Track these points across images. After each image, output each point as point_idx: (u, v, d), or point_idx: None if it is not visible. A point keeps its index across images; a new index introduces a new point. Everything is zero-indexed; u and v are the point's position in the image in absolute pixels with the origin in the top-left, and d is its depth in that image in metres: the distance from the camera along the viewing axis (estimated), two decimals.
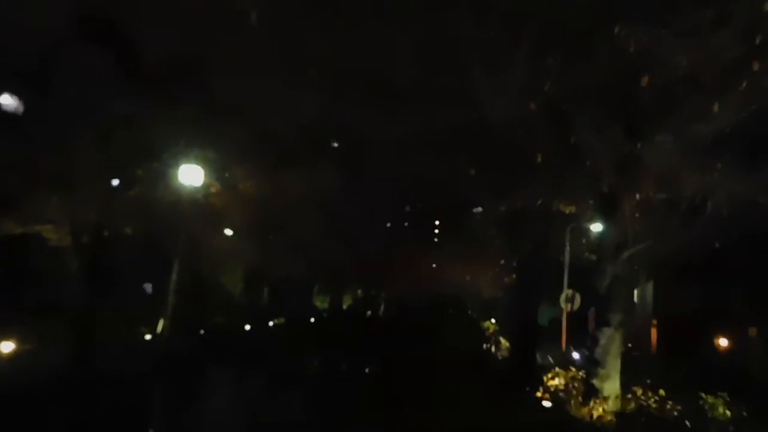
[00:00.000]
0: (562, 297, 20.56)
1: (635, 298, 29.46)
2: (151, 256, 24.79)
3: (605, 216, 11.04)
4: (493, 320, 36.57)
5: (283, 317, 34.80)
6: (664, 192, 10.34)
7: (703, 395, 10.14)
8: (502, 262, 16.90)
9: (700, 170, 9.86)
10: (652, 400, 10.25)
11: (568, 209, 11.15)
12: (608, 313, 10.93)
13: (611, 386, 10.82)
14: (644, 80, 8.56)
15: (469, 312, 40.85)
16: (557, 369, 13.99)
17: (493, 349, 26.75)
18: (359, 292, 45.82)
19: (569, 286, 20.60)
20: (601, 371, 10.81)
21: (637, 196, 10.39)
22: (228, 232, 30.02)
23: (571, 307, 20.32)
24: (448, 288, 36.78)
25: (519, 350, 20.24)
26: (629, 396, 10.65)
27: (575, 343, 21.91)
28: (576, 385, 12.24)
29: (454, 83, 10.72)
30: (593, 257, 23.44)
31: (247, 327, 31.63)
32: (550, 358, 19.06)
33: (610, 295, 10.95)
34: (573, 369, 13.79)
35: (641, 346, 24.80)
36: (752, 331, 24.31)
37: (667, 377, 13.47)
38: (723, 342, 24.82)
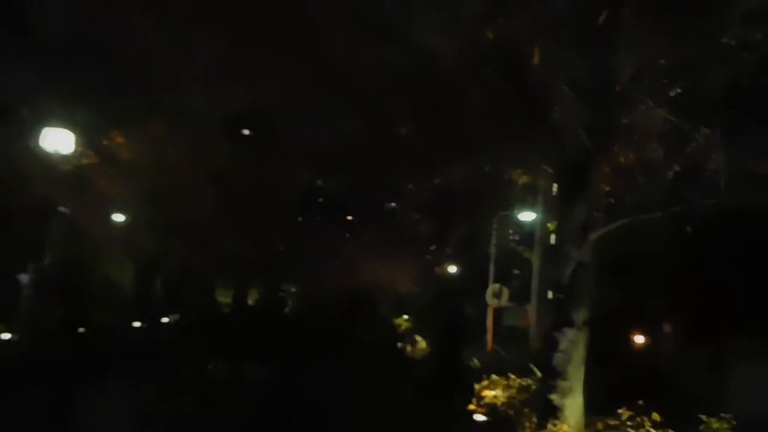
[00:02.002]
0: (488, 291, 18.34)
1: (549, 295, 27.93)
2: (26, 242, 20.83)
3: (569, 187, 8.60)
4: (405, 317, 34.65)
5: (180, 313, 31.03)
6: (648, 156, 8.01)
7: (703, 418, 7.88)
8: (427, 254, 14.29)
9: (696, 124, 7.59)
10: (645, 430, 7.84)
11: (522, 179, 8.62)
12: (571, 309, 8.49)
13: (574, 403, 8.38)
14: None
15: (382, 309, 38.39)
16: (494, 377, 11.51)
17: (408, 348, 24.36)
18: (266, 287, 42.35)
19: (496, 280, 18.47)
20: (562, 384, 8.35)
21: (618, 160, 8.03)
22: (118, 216, 26.29)
23: (499, 303, 18.11)
24: (360, 282, 34.10)
25: (440, 350, 17.74)
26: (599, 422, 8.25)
27: (505, 341, 19.81)
28: (522, 398, 9.82)
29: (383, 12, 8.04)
30: (521, 248, 21.61)
31: (137, 324, 27.87)
32: (476, 361, 16.65)
33: (574, 287, 8.52)
34: (513, 376, 11.36)
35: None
36: (666, 328, 23.39)
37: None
38: (639, 340, 23.80)
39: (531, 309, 15.61)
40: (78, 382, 15.44)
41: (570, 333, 8.43)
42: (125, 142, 15.64)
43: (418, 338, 24.32)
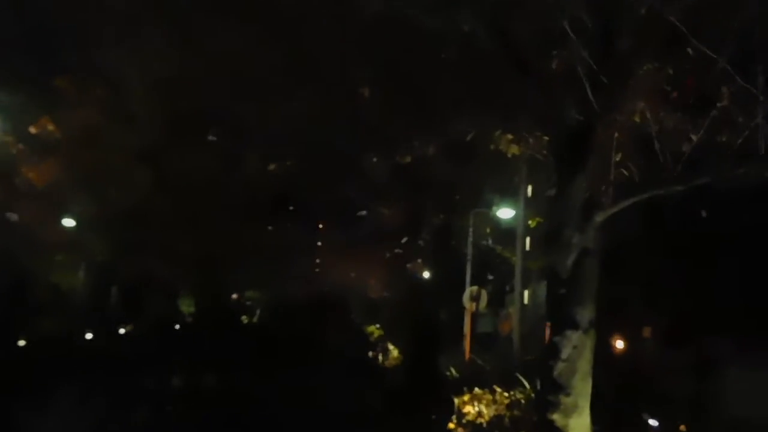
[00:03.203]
0: (466, 295, 16.56)
1: (525, 299, 26.42)
2: None
3: (569, 156, 6.86)
4: (377, 325, 32.95)
5: (137, 323, 28.71)
6: (671, 113, 6.31)
7: None
8: (398, 248, 12.48)
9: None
10: None
11: (511, 149, 6.84)
12: (574, 308, 6.72)
13: (580, 424, 6.60)
14: None
15: (352, 316, 36.50)
16: (477, 390, 9.71)
17: (380, 357, 22.51)
18: (233, 295, 40.09)
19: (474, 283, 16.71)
20: (565, 400, 6.57)
21: (633, 117, 6.32)
22: (68, 221, 24.09)
23: (477, 307, 16.33)
24: (330, 288, 32.17)
25: (413, 359, 15.90)
26: None
27: (480, 349, 18.08)
28: (511, 415, 8.03)
29: None
30: (499, 248, 19.95)
31: (89, 336, 25.54)
32: (453, 371, 14.84)
33: (577, 280, 6.76)
34: (499, 390, 9.58)
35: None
36: (646, 332, 22.02)
37: None
38: (619, 344, 22.40)
39: (513, 312, 13.86)
40: (11, 399, 13.39)
41: (574, 337, 6.66)
42: (55, 128, 13.58)
43: (390, 347, 22.54)
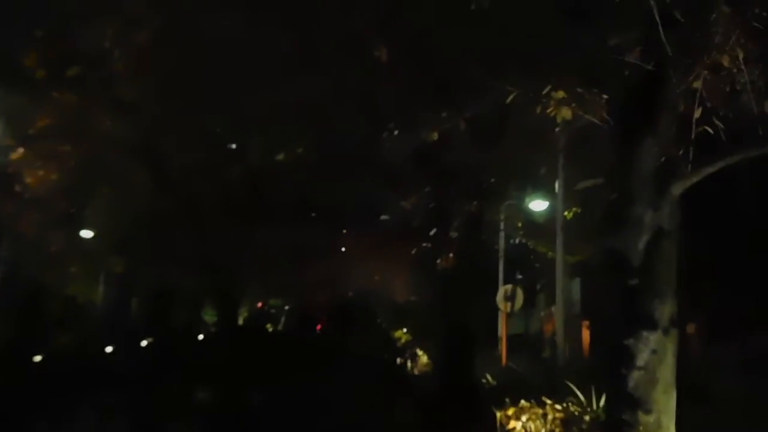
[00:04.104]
0: (500, 294, 15.15)
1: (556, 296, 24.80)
2: None
3: (636, 117, 5.48)
4: (405, 329, 31.60)
5: (159, 335, 27.68)
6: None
7: None
8: (425, 242, 11.12)
9: None
10: None
11: (563, 114, 5.46)
12: (650, 303, 5.33)
13: None
14: None
15: (379, 321, 35.18)
16: (524, 402, 8.32)
17: (409, 364, 21.18)
18: (258, 304, 39.00)
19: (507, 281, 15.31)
20: (645, 419, 5.16)
21: (721, 60, 4.94)
22: (87, 233, 23.28)
23: (512, 308, 14.90)
24: (356, 293, 30.91)
25: (445, 366, 14.48)
26: None
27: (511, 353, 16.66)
28: None
29: None
30: (531, 242, 18.48)
31: (109, 349, 24.57)
32: (490, 377, 13.41)
33: (653, 269, 5.38)
34: (549, 402, 8.16)
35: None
36: (690, 329, 20.36)
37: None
38: None
39: (557, 311, 12.43)
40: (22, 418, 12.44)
41: (652, 339, 5.27)
42: (53, 127, 12.44)
43: (420, 352, 21.18)
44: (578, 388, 8.67)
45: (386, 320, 34.93)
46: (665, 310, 5.37)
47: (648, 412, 5.19)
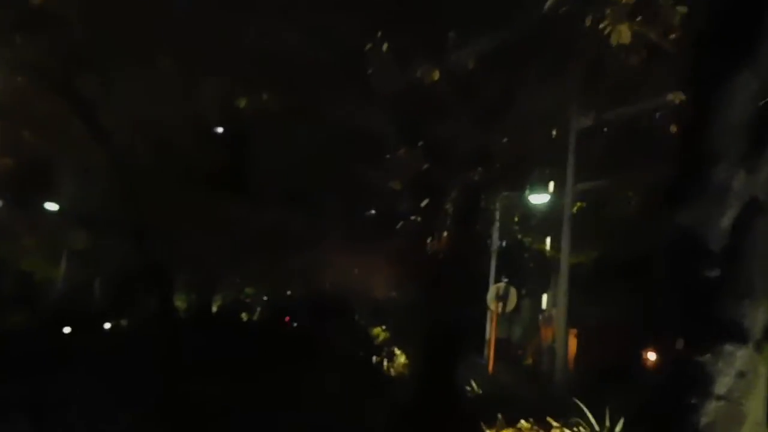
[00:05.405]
0: (491, 293, 13.49)
1: (543, 304, 23.34)
2: None
3: (724, 39, 3.83)
4: (383, 327, 30.24)
5: (123, 319, 25.79)
6: None
7: None
8: (413, 216, 9.46)
9: None
10: None
11: (620, 32, 3.75)
12: (736, 303, 3.68)
13: None
14: None
15: (356, 317, 33.64)
16: (524, 423, 6.63)
17: (385, 363, 19.60)
18: (228, 291, 37.16)
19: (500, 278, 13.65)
20: None
21: None
22: (51, 205, 21.55)
23: (503, 308, 13.23)
24: (333, 286, 29.34)
25: (425, 368, 12.82)
26: None
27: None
28: None
29: None
30: (527, 239, 16.89)
31: (67, 330, 22.79)
32: (475, 385, 11.76)
33: (743, 257, 3.71)
34: (555, 423, 6.50)
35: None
36: (679, 343, 18.97)
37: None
38: (651, 356, 19.39)
39: (558, 315, 10.75)
40: None
41: (740, 357, 3.61)
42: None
43: (398, 351, 19.62)
44: (588, 407, 7.05)
45: (364, 317, 33.40)
46: (758, 316, 3.69)
47: None
